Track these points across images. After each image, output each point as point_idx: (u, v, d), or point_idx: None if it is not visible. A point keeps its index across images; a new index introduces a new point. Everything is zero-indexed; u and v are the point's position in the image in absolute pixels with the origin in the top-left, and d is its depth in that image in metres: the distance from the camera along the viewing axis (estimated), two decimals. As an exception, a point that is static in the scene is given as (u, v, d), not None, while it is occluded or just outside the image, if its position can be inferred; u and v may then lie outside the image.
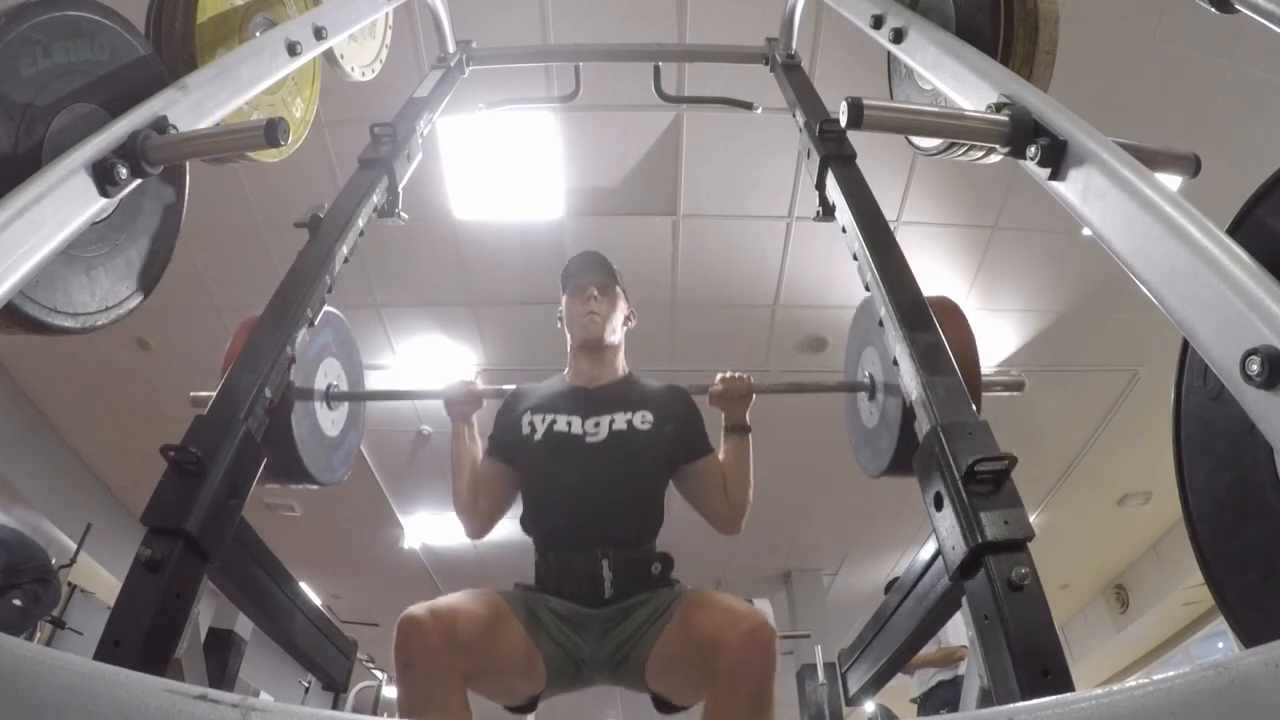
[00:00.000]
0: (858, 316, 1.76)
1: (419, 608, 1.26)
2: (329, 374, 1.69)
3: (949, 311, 1.40)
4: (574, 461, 1.54)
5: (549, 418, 1.60)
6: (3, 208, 0.92)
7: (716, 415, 1.70)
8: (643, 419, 1.58)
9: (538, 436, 1.58)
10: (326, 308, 1.51)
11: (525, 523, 1.58)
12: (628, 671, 1.43)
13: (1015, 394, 1.58)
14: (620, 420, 1.57)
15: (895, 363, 1.26)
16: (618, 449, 1.54)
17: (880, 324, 1.35)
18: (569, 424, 1.58)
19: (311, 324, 1.42)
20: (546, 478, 1.57)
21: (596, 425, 1.57)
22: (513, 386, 1.77)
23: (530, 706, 1.51)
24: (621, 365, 1.76)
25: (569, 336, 1.77)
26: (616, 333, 1.74)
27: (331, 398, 1.68)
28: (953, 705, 3.51)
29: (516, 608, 1.42)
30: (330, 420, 1.67)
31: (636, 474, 1.55)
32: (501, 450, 1.66)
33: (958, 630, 3.53)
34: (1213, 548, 0.99)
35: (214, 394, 1.21)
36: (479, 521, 1.65)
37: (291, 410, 1.46)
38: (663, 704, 1.49)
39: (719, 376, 1.67)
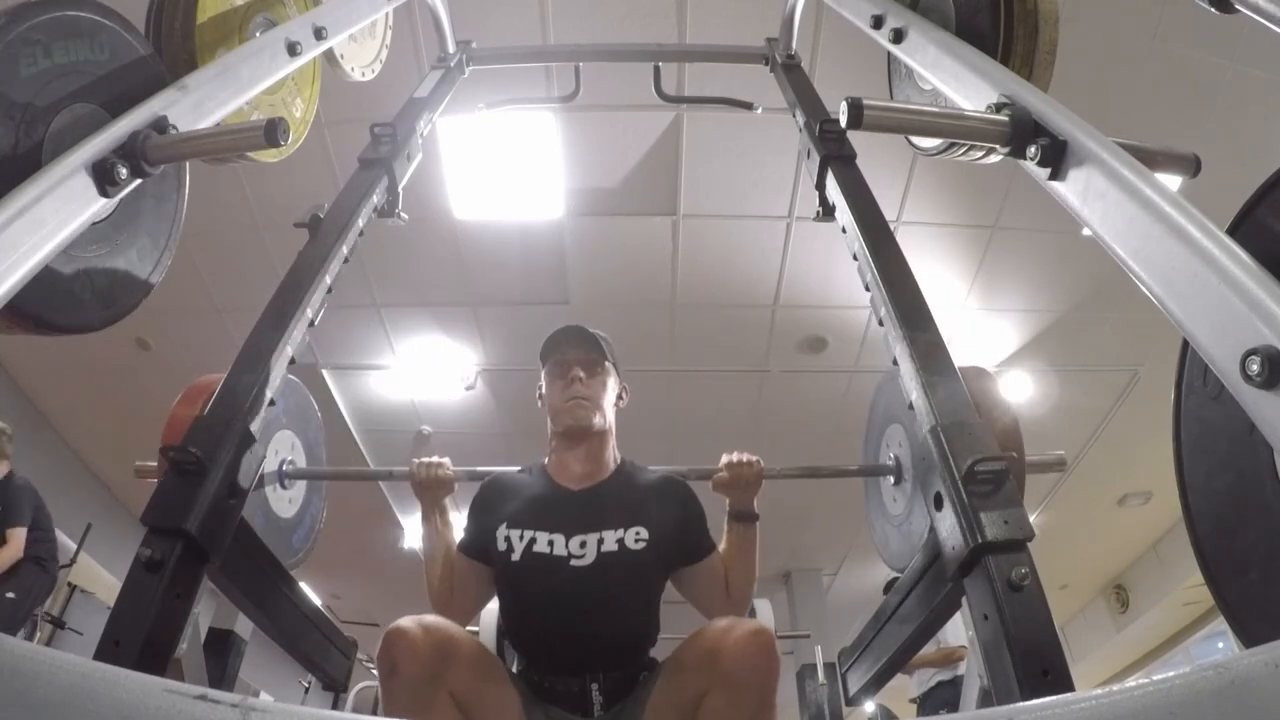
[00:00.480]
0: (880, 392, 1.62)
1: (407, 619, 1.17)
2: (281, 450, 1.53)
3: (986, 389, 1.27)
4: (558, 588, 1.36)
5: (528, 535, 1.40)
6: (3, 208, 0.92)
7: (718, 502, 1.56)
8: (636, 537, 1.39)
9: (515, 556, 1.39)
10: (287, 376, 1.36)
11: (507, 636, 1.47)
12: None
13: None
14: (610, 540, 1.38)
15: (895, 363, 1.26)
16: (607, 573, 1.36)
17: (880, 324, 1.35)
18: (550, 544, 1.38)
19: (312, 324, 1.42)
20: (527, 606, 1.40)
21: (583, 546, 1.38)
22: (488, 470, 1.61)
23: None
24: (611, 456, 1.57)
25: (550, 423, 1.57)
26: (606, 418, 1.55)
27: (285, 476, 1.54)
28: (952, 705, 3.51)
29: (511, 678, 1.35)
30: (286, 500, 1.54)
31: (628, 598, 1.39)
32: (477, 550, 1.49)
33: (957, 630, 3.53)
34: (1213, 548, 0.99)
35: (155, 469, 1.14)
36: (456, 616, 1.43)
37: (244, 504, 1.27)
38: None
39: (724, 460, 1.51)
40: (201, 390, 1.32)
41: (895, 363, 1.26)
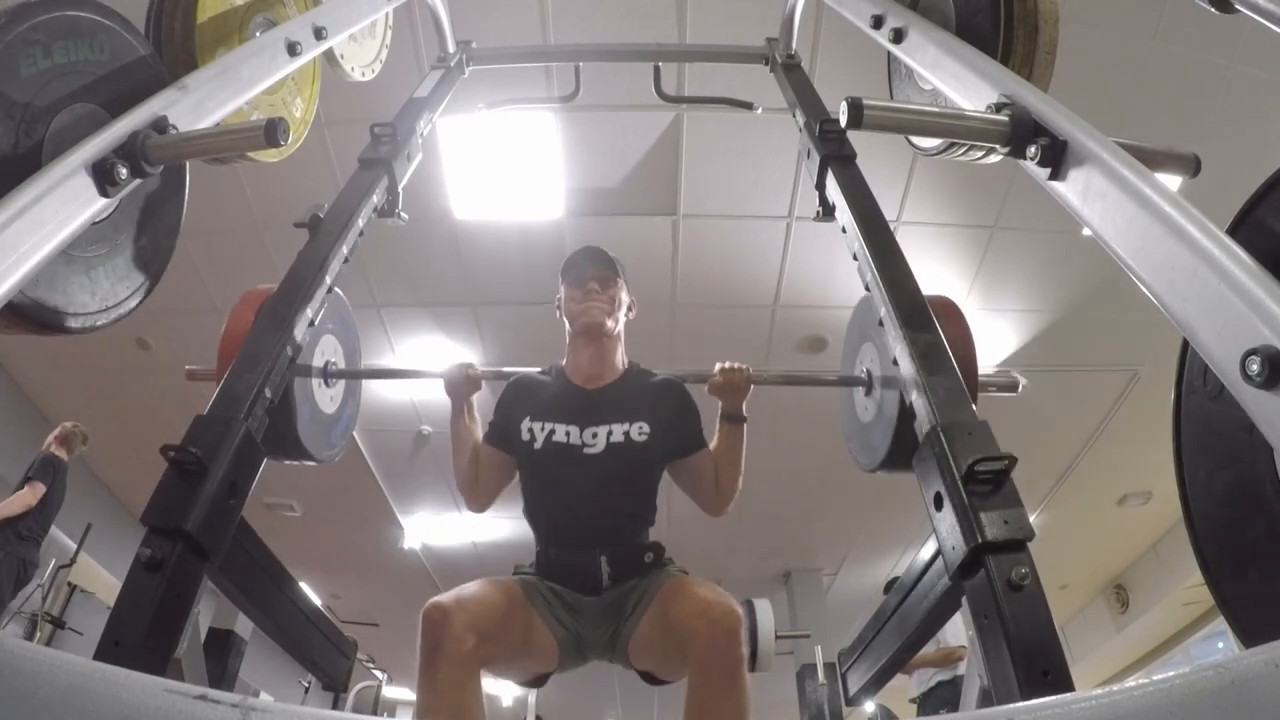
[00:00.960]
0: (856, 312, 1.76)
1: (444, 596, 1.32)
2: (326, 351, 1.69)
3: (948, 311, 1.41)
4: (573, 471, 1.59)
5: (548, 427, 1.62)
6: (3, 208, 0.92)
7: (713, 405, 1.72)
8: (639, 430, 1.61)
9: (537, 445, 1.61)
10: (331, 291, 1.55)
11: (527, 515, 1.66)
12: (619, 652, 1.53)
13: (1011, 394, 1.59)
14: (618, 432, 1.60)
15: (895, 362, 1.26)
16: (614, 460, 1.59)
17: (880, 323, 1.35)
18: (567, 434, 1.61)
19: (312, 323, 1.42)
20: (546, 484, 1.63)
21: (594, 436, 1.60)
22: (512, 370, 1.80)
23: (540, 683, 1.62)
24: (621, 359, 1.76)
25: (567, 325, 1.76)
26: (618, 323, 1.74)
27: (329, 375, 1.68)
28: (952, 705, 3.51)
29: (531, 595, 1.50)
30: (328, 397, 1.68)
31: (632, 482, 1.62)
32: (501, 440, 1.69)
33: (957, 630, 3.53)
34: (1213, 548, 0.99)
35: (210, 368, 1.20)
36: (480, 499, 1.71)
37: (290, 387, 1.44)
38: (649, 677, 1.58)
39: (718, 367, 1.68)
40: (256, 299, 1.42)
41: (895, 363, 1.26)
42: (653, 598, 1.47)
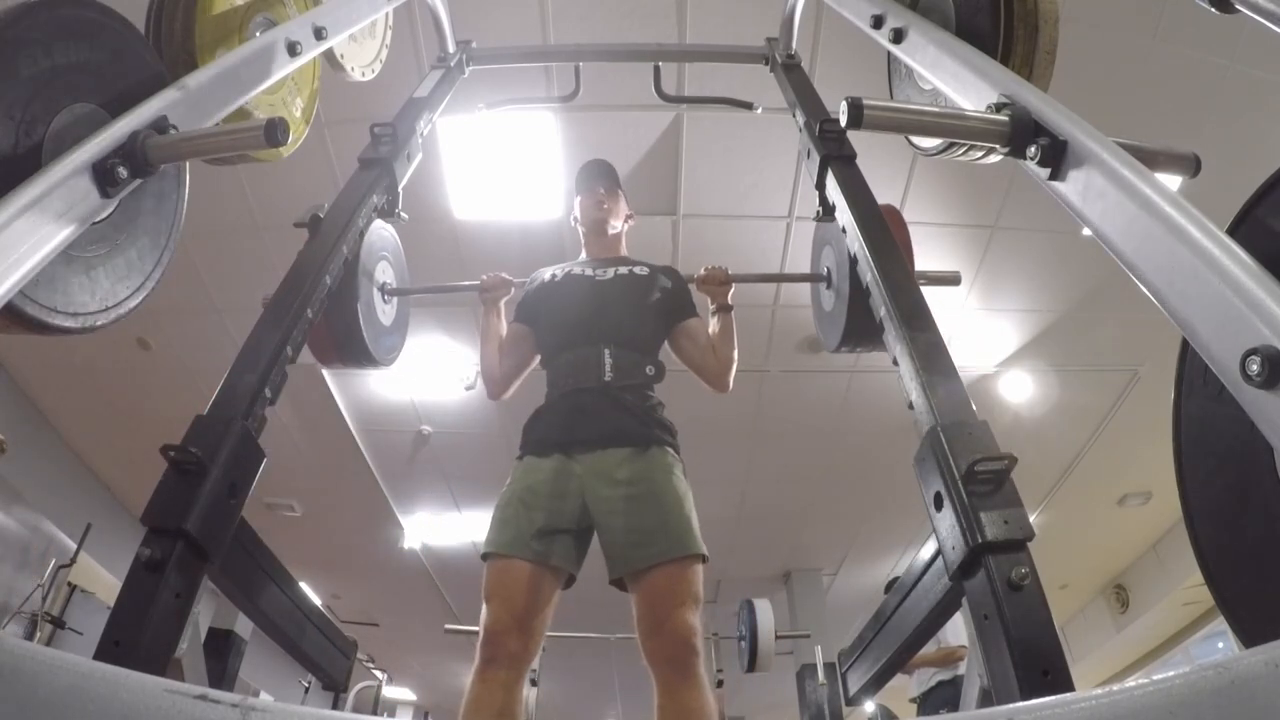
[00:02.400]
0: (819, 224, 1.95)
1: (503, 611, 1.45)
2: (385, 272, 1.96)
3: (891, 215, 1.58)
4: (585, 290, 1.86)
5: (568, 267, 1.95)
6: (3, 208, 0.92)
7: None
8: (642, 269, 1.93)
9: (557, 279, 1.91)
10: (381, 221, 1.82)
11: (544, 362, 1.85)
12: (612, 557, 1.56)
13: (952, 288, 1.83)
14: (624, 268, 1.92)
15: (895, 363, 1.26)
16: (621, 284, 1.86)
17: (880, 324, 1.35)
18: (582, 269, 1.93)
19: (313, 324, 1.42)
20: (561, 301, 1.87)
21: (604, 271, 1.90)
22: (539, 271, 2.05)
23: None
24: (624, 248, 2.09)
25: (580, 228, 2.09)
26: (619, 224, 2.09)
27: (386, 291, 1.94)
28: (952, 705, 3.51)
29: (534, 539, 1.53)
30: (384, 311, 1.94)
31: (636, 300, 1.85)
32: (526, 313, 1.94)
33: (957, 630, 3.53)
34: (1213, 548, 0.99)
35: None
36: (501, 379, 1.91)
37: (358, 290, 1.69)
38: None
39: (703, 269, 1.97)
40: None
41: (895, 363, 1.26)
42: (654, 489, 1.56)
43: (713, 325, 1.96)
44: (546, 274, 1.98)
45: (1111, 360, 4.61)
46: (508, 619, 1.44)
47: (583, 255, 2.08)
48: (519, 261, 4.01)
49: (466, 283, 2.05)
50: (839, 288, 1.81)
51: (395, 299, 2.02)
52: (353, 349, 1.76)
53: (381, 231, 1.91)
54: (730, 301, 1.96)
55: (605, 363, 1.69)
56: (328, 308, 1.47)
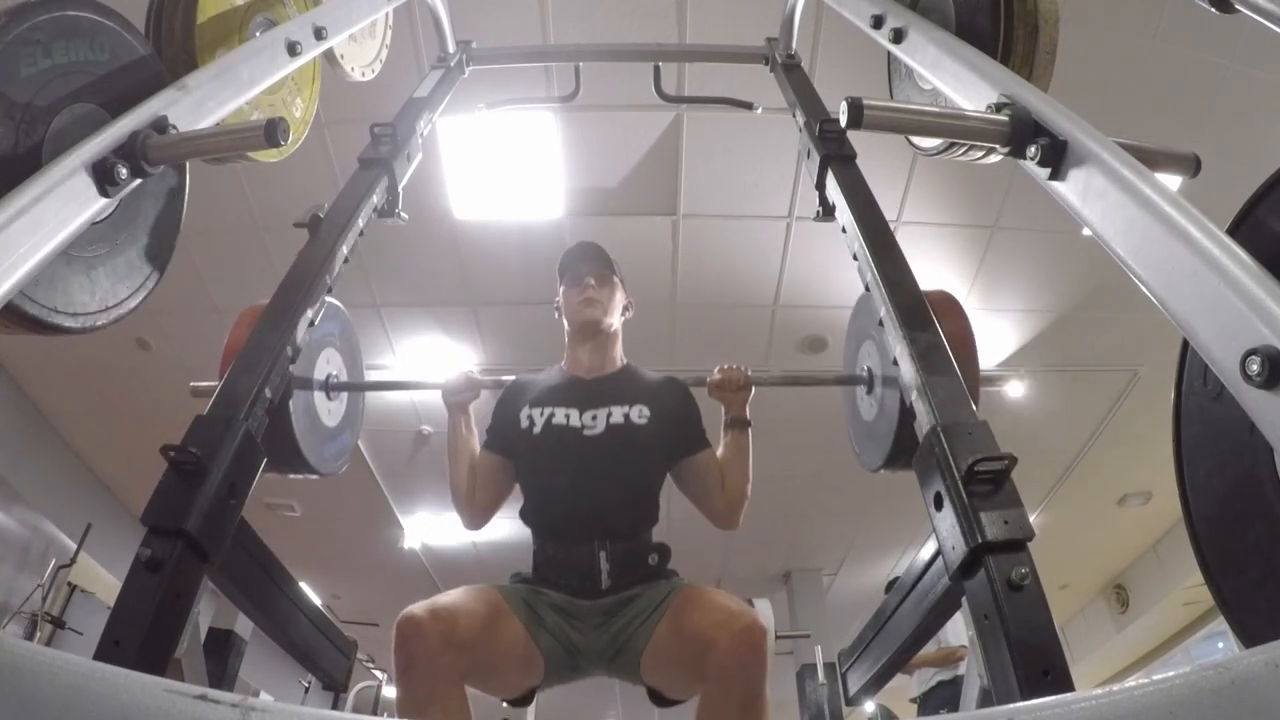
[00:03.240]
0: (856, 311, 1.76)
1: (418, 607, 1.26)
2: (329, 364, 1.69)
3: (949, 307, 1.39)
4: (572, 455, 1.54)
5: (547, 410, 1.59)
6: (3, 208, 0.92)
7: (715, 409, 1.70)
8: (640, 413, 1.58)
9: (536, 430, 1.58)
10: (329, 299, 1.51)
11: (524, 514, 1.59)
12: (623, 664, 1.43)
13: (1016, 391, 1.58)
14: (617, 414, 1.58)
15: (895, 362, 1.26)
16: (615, 443, 1.55)
17: (880, 323, 1.35)
18: (567, 416, 1.58)
19: (312, 324, 1.42)
20: (545, 471, 1.57)
21: (594, 418, 1.57)
22: (511, 377, 1.78)
23: (528, 699, 1.51)
24: (619, 355, 1.76)
25: (566, 324, 1.76)
26: (614, 320, 1.74)
27: (331, 388, 1.68)
28: (952, 705, 3.51)
29: (514, 603, 1.42)
30: (328, 410, 1.68)
31: (633, 468, 1.56)
32: (500, 443, 1.66)
33: (958, 630, 3.53)
34: (1213, 548, 0.99)
35: (215, 384, 1.21)
36: (477, 513, 1.66)
37: (290, 398, 1.45)
38: (657, 697, 1.47)
39: (717, 368, 1.68)
40: (253, 316, 1.39)
41: (895, 363, 1.26)
42: (666, 607, 1.38)
43: (722, 445, 1.66)
44: (523, 410, 1.62)
45: (1111, 360, 4.61)
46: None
47: (565, 365, 1.74)
48: (519, 261, 4.04)
49: (429, 380, 1.77)
50: (883, 397, 1.53)
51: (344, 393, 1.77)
52: (293, 464, 1.53)
53: (328, 318, 1.60)
54: (749, 415, 1.65)
55: (601, 569, 1.43)
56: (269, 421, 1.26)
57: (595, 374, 1.69)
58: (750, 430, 1.65)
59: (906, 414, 1.30)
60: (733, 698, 1.17)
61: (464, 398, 1.69)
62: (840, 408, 1.84)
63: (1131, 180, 0.91)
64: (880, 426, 1.54)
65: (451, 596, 1.35)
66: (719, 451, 1.67)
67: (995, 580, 0.91)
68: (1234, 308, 0.72)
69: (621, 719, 9.76)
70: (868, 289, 1.42)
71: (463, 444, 1.67)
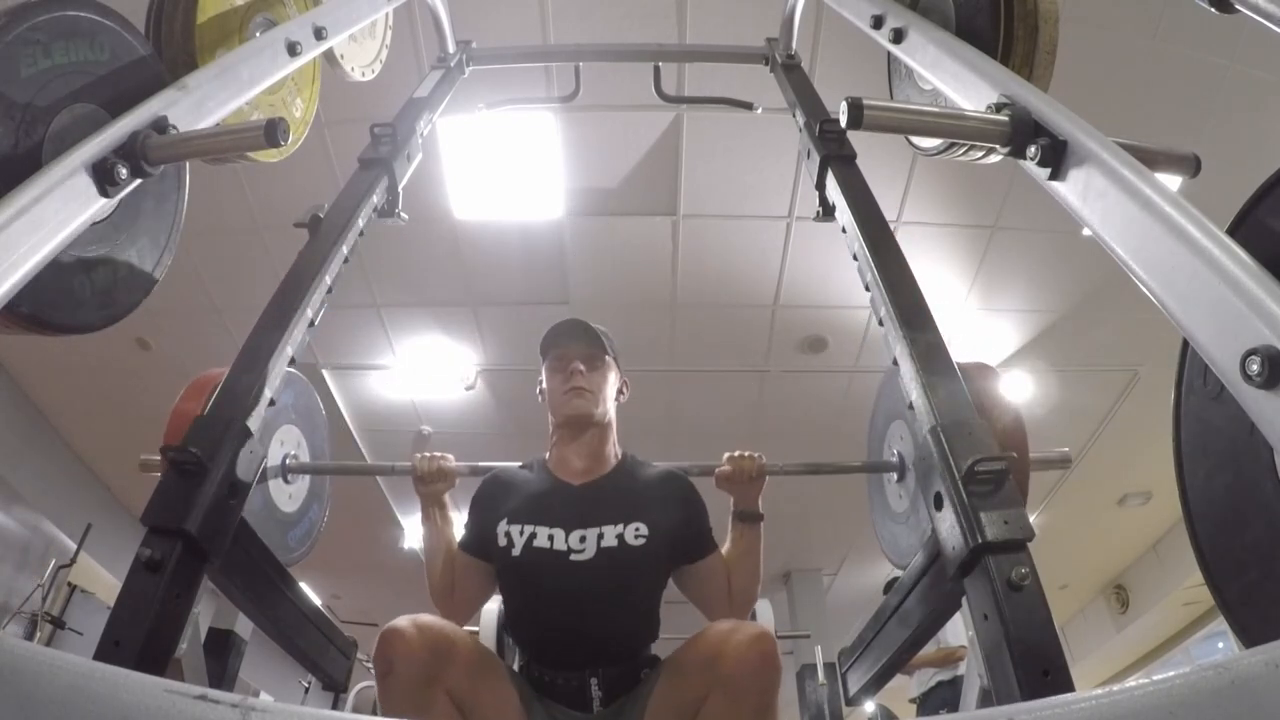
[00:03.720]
0: (883, 389, 1.63)
1: (403, 619, 1.17)
2: (286, 443, 1.53)
3: (983, 372, 1.27)
4: (558, 583, 1.36)
5: (528, 530, 1.40)
6: (3, 208, 0.92)
7: (721, 500, 1.56)
8: (636, 533, 1.38)
9: (516, 551, 1.39)
10: (289, 369, 1.34)
11: (508, 629, 1.48)
12: None
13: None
14: (610, 535, 1.38)
15: (895, 363, 1.26)
16: (607, 569, 1.36)
17: (880, 324, 1.35)
18: (550, 539, 1.38)
19: (313, 324, 1.42)
20: (528, 598, 1.41)
21: (583, 540, 1.37)
22: (490, 465, 1.61)
23: None
24: (612, 451, 1.58)
25: (550, 416, 1.58)
26: (607, 410, 1.56)
27: (289, 470, 1.53)
28: (952, 705, 3.51)
29: (510, 673, 1.35)
30: (287, 495, 1.54)
31: (629, 594, 1.39)
32: (477, 547, 1.49)
33: (957, 630, 3.53)
34: (1213, 548, 0.99)
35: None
36: (458, 611, 1.50)
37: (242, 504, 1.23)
38: None
39: (726, 456, 1.50)
40: (204, 386, 1.30)
41: (895, 363, 1.26)
42: (655, 684, 1.28)
43: (729, 542, 1.50)
44: (501, 525, 1.42)
45: (1111, 360, 4.61)
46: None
47: (550, 464, 1.54)
48: (519, 261, 4.04)
49: (400, 464, 1.57)
50: (916, 488, 1.35)
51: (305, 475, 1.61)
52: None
53: (285, 387, 1.35)
54: (761, 508, 1.48)
55: (593, 696, 1.32)
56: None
57: (585, 478, 1.50)
58: (761, 525, 1.49)
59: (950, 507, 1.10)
60: (744, 708, 1.09)
61: (437, 489, 1.52)
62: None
63: (1131, 180, 0.91)
64: (913, 522, 1.40)
65: (442, 620, 1.26)
66: (725, 548, 1.51)
67: (995, 580, 0.91)
68: (1234, 308, 0.72)
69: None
70: (868, 289, 1.42)
71: (439, 537, 1.52)
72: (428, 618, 1.22)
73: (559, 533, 1.39)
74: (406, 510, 6.00)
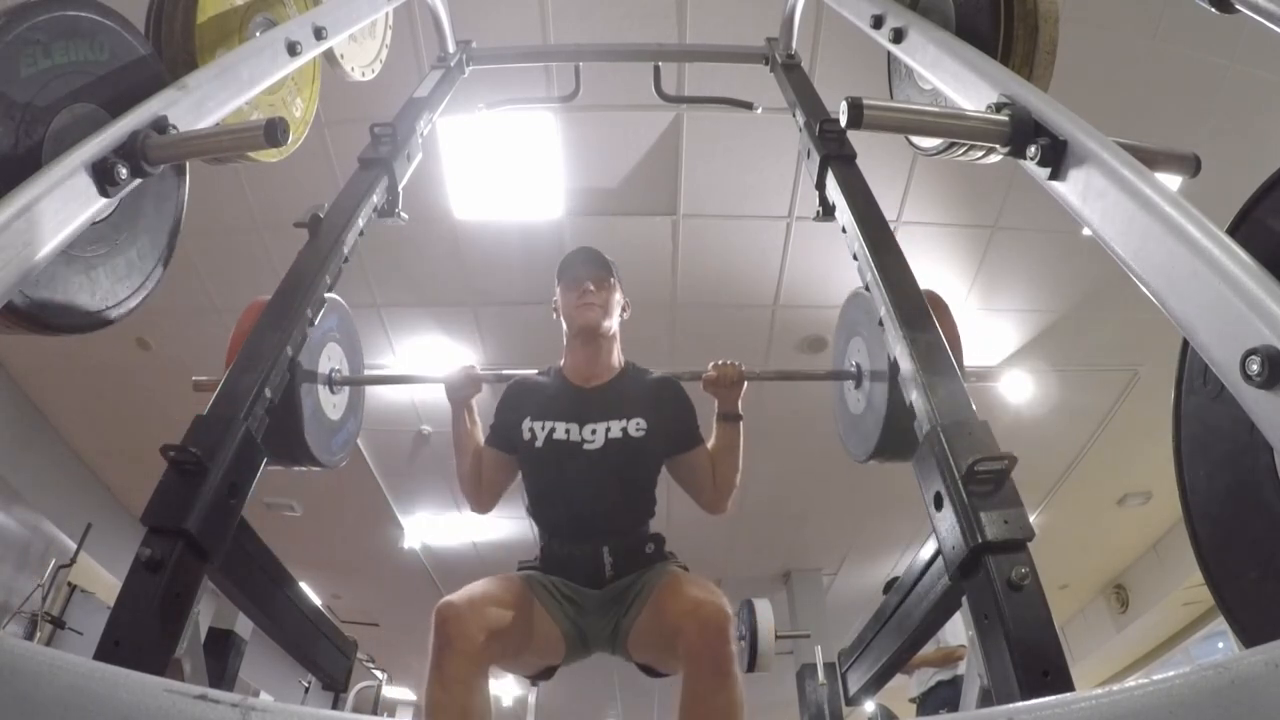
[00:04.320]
0: (845, 308, 1.80)
1: (456, 596, 1.36)
2: (332, 359, 1.74)
3: (936, 307, 1.42)
4: (573, 467, 1.62)
5: (548, 425, 1.66)
6: (3, 207, 0.92)
7: (709, 408, 1.76)
8: (637, 426, 1.65)
9: (539, 444, 1.65)
10: (330, 294, 1.54)
11: (530, 512, 1.70)
12: (619, 645, 1.57)
13: (1014, 390, 1.64)
14: (615, 429, 1.64)
15: (895, 361, 1.26)
16: (614, 456, 1.63)
17: (880, 322, 1.35)
18: (567, 431, 1.65)
19: (312, 324, 1.42)
20: (549, 481, 1.67)
21: (593, 432, 1.64)
22: (513, 373, 1.84)
23: (548, 675, 1.65)
24: (617, 358, 1.81)
25: (565, 326, 1.80)
26: (612, 324, 1.78)
27: (334, 382, 1.73)
28: (952, 705, 3.51)
29: (538, 591, 1.54)
30: (332, 404, 1.73)
31: (632, 476, 1.66)
32: (503, 442, 1.74)
33: (957, 630, 3.53)
34: (1213, 548, 0.99)
35: (217, 379, 1.21)
36: (484, 499, 1.77)
37: (297, 390, 1.49)
38: (648, 669, 1.62)
39: (711, 364, 1.74)
40: (261, 307, 1.42)
41: (895, 363, 1.26)
42: (651, 591, 1.50)
43: (714, 439, 1.74)
44: (525, 421, 1.67)
45: (1111, 360, 4.61)
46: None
47: (565, 370, 1.79)
48: (519, 261, 4.04)
49: (431, 375, 1.82)
50: (870, 392, 1.60)
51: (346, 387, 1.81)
52: (298, 456, 1.59)
53: (329, 312, 1.60)
54: (740, 410, 1.72)
55: (605, 563, 1.56)
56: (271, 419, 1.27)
57: (594, 382, 1.75)
58: (741, 424, 1.73)
59: (894, 405, 1.38)
60: (705, 676, 1.28)
61: (466, 393, 1.75)
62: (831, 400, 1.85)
63: (1131, 180, 0.91)
64: (867, 420, 1.61)
65: (483, 586, 1.45)
66: (710, 443, 1.75)
67: (995, 580, 0.91)
68: (1234, 308, 0.72)
69: (622, 717, 9.77)
70: (868, 289, 1.42)
71: (467, 436, 1.75)
72: (477, 592, 1.40)
73: (574, 427, 1.65)
74: (406, 510, 6.01)
